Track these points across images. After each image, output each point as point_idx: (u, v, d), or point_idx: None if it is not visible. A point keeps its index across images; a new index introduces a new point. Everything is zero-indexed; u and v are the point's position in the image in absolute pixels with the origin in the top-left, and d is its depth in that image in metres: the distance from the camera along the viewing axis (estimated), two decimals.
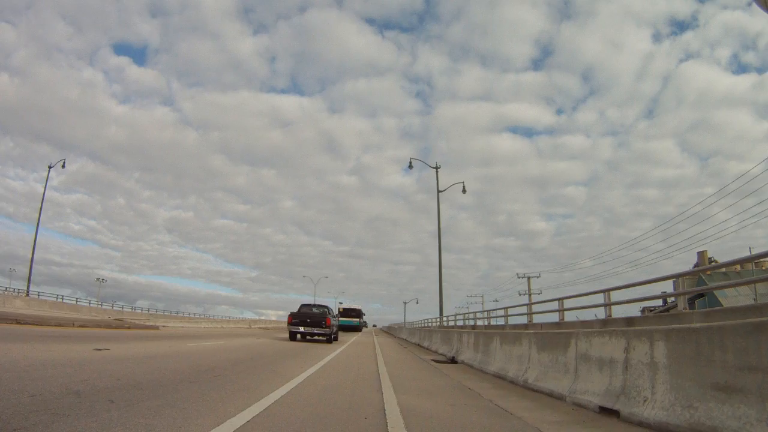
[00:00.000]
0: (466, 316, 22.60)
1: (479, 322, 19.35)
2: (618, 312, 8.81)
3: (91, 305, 39.87)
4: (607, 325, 7.92)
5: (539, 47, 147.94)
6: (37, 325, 15.02)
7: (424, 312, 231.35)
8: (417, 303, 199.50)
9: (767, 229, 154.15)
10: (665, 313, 7.68)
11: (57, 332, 12.94)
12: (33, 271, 20.92)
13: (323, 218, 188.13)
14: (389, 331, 61.87)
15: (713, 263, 33.22)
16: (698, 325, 4.19)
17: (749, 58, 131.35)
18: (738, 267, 32.60)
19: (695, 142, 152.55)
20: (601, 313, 9.20)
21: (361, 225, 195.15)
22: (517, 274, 50.11)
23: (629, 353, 4.70)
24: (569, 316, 11.22)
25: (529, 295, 46.60)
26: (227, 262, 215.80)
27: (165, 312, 55.94)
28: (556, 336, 6.47)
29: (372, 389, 6.49)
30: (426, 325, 31.74)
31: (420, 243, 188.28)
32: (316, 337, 20.70)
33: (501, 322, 15.47)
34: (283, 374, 7.40)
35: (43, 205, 28.51)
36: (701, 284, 31.25)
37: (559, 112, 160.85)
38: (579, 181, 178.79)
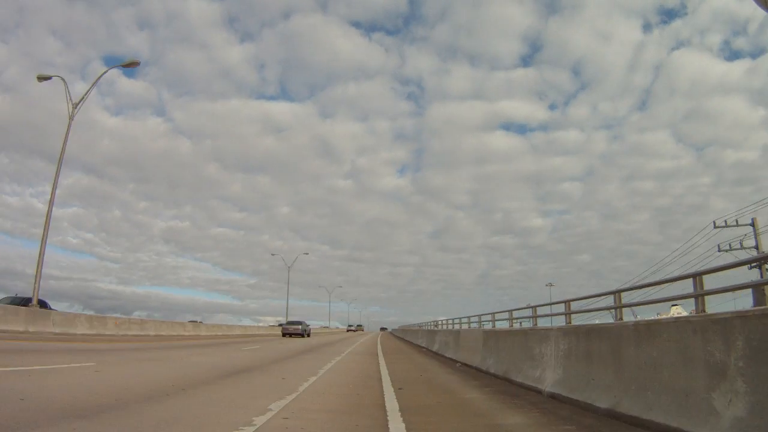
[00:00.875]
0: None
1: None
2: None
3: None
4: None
5: (527, 43, 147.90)
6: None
7: (427, 313, 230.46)
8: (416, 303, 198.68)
9: (766, 217, 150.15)
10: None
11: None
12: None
13: (320, 223, 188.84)
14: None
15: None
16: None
17: (740, 43, 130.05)
18: None
19: (690, 132, 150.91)
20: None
21: (358, 228, 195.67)
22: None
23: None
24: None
25: None
26: (225, 270, 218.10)
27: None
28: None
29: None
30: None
31: (418, 244, 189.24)
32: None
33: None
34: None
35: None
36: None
37: (552, 107, 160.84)
38: (574, 176, 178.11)
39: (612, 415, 4.69)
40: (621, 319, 8.12)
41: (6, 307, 16.85)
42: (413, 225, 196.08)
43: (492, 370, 9.41)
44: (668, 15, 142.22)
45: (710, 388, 3.52)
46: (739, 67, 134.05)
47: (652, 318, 6.77)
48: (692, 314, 5.67)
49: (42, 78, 23.92)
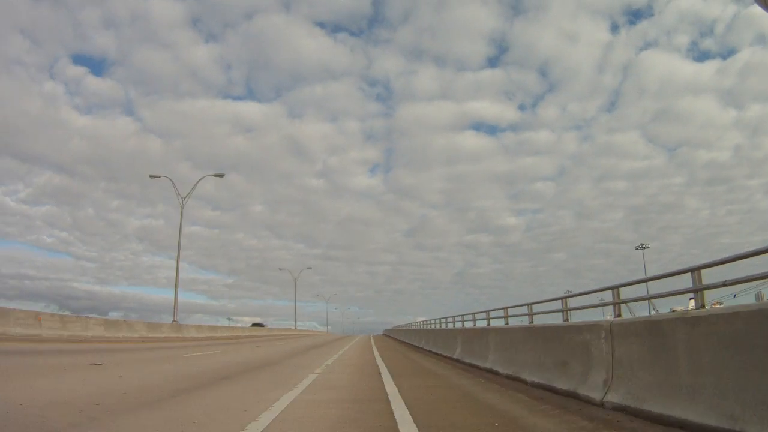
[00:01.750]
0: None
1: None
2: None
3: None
4: None
5: (493, 45, 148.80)
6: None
7: (407, 314, 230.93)
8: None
9: (739, 215, 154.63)
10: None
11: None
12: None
13: (294, 221, 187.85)
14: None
15: None
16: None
17: (708, 44, 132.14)
18: None
19: (661, 133, 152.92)
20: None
21: (332, 226, 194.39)
22: None
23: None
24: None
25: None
26: (201, 269, 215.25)
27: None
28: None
29: None
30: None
31: (394, 243, 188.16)
32: None
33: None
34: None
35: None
36: None
37: (522, 108, 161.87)
38: (547, 176, 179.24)
39: None
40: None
41: None
42: (388, 223, 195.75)
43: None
44: (635, 16, 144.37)
45: None
46: (709, 67, 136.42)
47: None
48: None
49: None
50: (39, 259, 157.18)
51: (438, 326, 25.95)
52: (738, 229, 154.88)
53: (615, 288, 8.25)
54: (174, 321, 31.64)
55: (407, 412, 4.99)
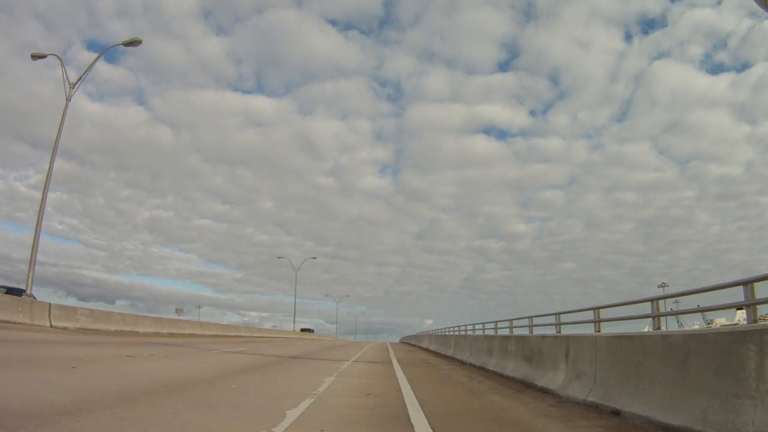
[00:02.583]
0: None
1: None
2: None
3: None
4: None
5: (505, 50, 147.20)
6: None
7: (415, 316, 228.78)
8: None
9: (750, 231, 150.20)
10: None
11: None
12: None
13: (304, 218, 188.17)
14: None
15: None
16: None
17: (722, 57, 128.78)
18: None
19: (672, 145, 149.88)
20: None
21: (341, 225, 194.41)
22: None
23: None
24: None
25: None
26: (210, 262, 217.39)
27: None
28: None
29: None
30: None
31: (403, 245, 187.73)
32: None
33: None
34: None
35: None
36: None
37: (533, 113, 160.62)
38: (556, 184, 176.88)
39: None
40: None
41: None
42: (397, 225, 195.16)
43: None
44: (649, 25, 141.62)
45: None
46: (723, 80, 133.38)
47: None
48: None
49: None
50: (50, 246, 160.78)
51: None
52: (749, 246, 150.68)
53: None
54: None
55: None
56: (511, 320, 16.04)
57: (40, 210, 20.86)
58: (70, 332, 16.79)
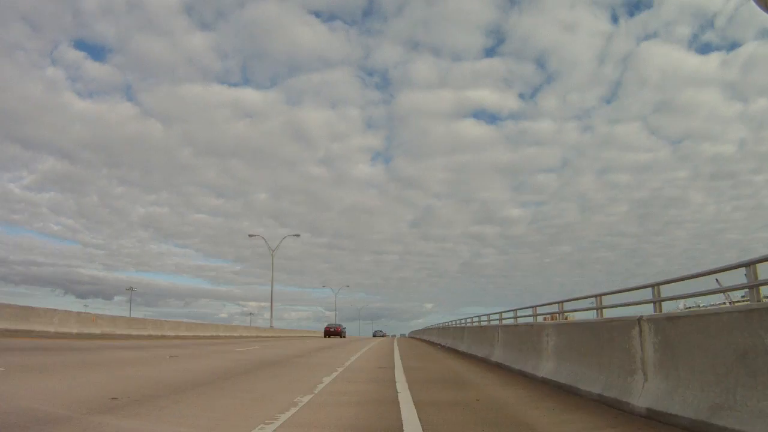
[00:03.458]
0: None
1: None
2: None
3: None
4: None
5: (490, 36, 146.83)
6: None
7: (414, 301, 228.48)
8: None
9: (745, 211, 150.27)
10: None
11: None
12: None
13: (298, 210, 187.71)
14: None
15: None
16: None
17: (709, 36, 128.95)
18: None
19: (663, 125, 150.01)
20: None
21: (336, 215, 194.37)
22: None
23: None
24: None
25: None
26: (208, 256, 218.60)
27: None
28: None
29: None
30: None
31: (399, 233, 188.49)
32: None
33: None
34: None
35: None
36: None
37: (522, 97, 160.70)
38: (549, 167, 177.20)
39: None
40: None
41: None
42: (392, 213, 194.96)
43: None
44: (635, 7, 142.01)
45: None
46: (713, 59, 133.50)
47: None
48: None
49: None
50: (48, 246, 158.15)
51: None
52: (745, 225, 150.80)
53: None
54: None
55: None
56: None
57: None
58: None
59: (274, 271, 50.86)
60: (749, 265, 5.72)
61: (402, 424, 4.30)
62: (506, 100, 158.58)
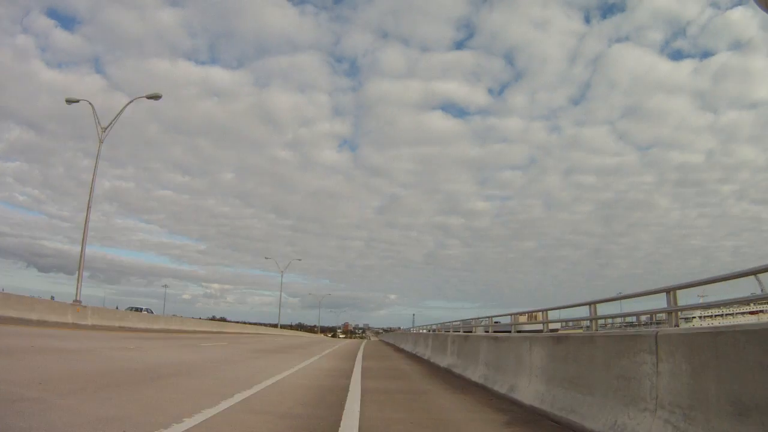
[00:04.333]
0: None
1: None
2: None
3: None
4: None
5: (460, 29, 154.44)
6: None
7: (378, 290, 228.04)
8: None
9: (710, 218, 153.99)
10: None
11: None
12: None
13: (264, 191, 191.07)
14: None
15: None
16: None
17: (681, 44, 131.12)
18: None
19: (631, 130, 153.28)
20: None
21: (302, 199, 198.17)
22: None
23: None
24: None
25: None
26: (173, 233, 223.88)
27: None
28: None
29: None
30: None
31: (364, 219, 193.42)
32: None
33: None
34: None
35: None
36: None
37: (490, 92, 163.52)
38: (515, 164, 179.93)
39: None
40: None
41: None
42: (358, 199, 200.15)
43: None
44: (608, 9, 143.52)
45: None
46: (686, 66, 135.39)
47: None
48: None
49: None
50: (12, 216, 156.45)
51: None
52: (710, 232, 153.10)
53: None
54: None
55: None
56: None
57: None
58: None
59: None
60: None
61: None
62: (475, 95, 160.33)
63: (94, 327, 20.21)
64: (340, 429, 4.53)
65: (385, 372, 11.63)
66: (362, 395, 6.92)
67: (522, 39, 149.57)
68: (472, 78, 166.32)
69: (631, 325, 16.75)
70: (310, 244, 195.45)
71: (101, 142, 22.65)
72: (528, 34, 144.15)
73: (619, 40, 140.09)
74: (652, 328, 5.89)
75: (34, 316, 17.34)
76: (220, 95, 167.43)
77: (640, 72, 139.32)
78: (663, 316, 6.82)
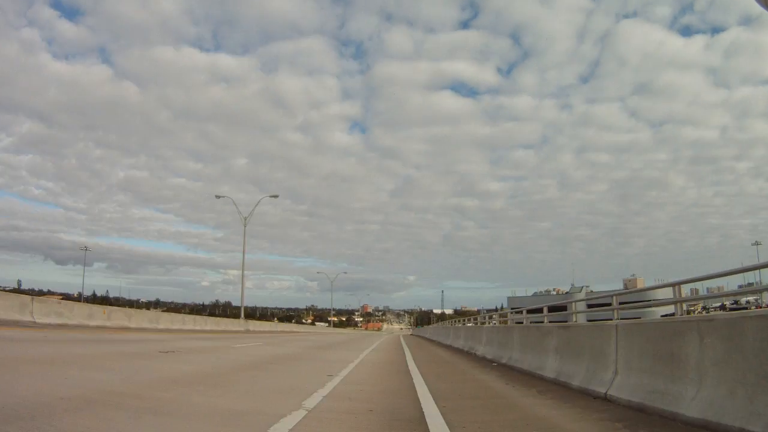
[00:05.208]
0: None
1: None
2: None
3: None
4: None
5: (465, 9, 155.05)
6: None
7: (397, 272, 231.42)
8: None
9: (726, 197, 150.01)
10: None
11: None
12: None
13: (278, 176, 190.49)
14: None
15: None
16: None
17: (689, 19, 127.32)
18: None
19: (643, 107, 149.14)
20: None
21: (316, 182, 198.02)
22: None
23: None
24: None
25: None
26: (189, 222, 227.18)
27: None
28: None
29: None
30: None
31: (379, 202, 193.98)
32: None
33: None
34: None
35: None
36: None
37: (499, 71, 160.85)
38: (528, 143, 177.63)
39: None
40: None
41: None
42: (372, 182, 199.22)
43: None
44: None
45: None
46: (697, 42, 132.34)
47: None
48: None
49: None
50: (29, 211, 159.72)
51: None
52: (726, 211, 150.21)
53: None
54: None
55: None
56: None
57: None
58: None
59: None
60: None
61: None
62: (483, 74, 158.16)
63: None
64: None
65: None
66: None
67: (527, 17, 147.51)
68: (480, 57, 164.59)
69: None
70: (326, 229, 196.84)
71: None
72: (533, 11, 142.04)
73: (627, 16, 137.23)
74: None
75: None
76: (228, 81, 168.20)
77: (649, 48, 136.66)
78: None
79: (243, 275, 37.83)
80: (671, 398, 4.30)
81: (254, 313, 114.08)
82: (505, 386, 7.08)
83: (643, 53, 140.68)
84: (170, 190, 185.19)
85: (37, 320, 14.92)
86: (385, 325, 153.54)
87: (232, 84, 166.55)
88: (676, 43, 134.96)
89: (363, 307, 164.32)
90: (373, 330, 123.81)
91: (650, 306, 9.51)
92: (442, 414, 4.65)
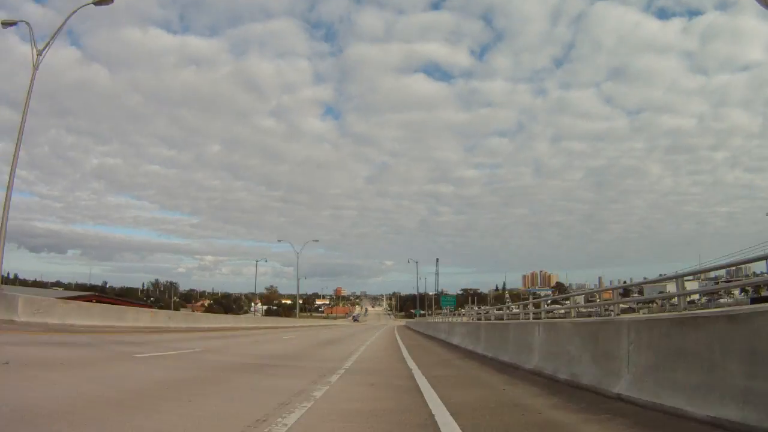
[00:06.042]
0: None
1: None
2: None
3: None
4: None
5: None
6: None
7: (374, 258, 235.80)
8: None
9: (704, 186, 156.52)
10: None
11: None
12: None
13: (252, 163, 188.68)
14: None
15: None
16: None
17: (665, 2, 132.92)
18: None
19: (619, 93, 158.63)
20: None
21: (290, 169, 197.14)
22: None
23: None
24: None
25: None
26: (165, 209, 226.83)
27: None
28: None
29: None
30: None
31: (356, 188, 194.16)
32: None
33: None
34: None
35: None
36: None
37: (472, 53, 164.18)
38: (503, 130, 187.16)
39: None
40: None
41: None
42: (347, 168, 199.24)
43: None
44: None
45: None
46: (674, 25, 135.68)
47: None
48: None
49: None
50: (2, 198, 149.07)
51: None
52: (703, 199, 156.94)
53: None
54: None
55: None
56: None
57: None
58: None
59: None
60: None
61: None
62: (456, 56, 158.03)
63: None
64: None
65: None
66: None
67: None
68: (452, 38, 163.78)
69: None
70: (302, 215, 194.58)
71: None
72: None
73: None
74: None
75: None
76: (198, 63, 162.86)
77: (625, 31, 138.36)
78: None
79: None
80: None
81: (230, 302, 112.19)
82: None
83: (619, 36, 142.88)
84: (144, 177, 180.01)
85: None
86: (357, 309, 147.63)
87: (203, 67, 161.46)
88: (652, 25, 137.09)
89: (336, 290, 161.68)
90: (338, 319, 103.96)
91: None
92: None
